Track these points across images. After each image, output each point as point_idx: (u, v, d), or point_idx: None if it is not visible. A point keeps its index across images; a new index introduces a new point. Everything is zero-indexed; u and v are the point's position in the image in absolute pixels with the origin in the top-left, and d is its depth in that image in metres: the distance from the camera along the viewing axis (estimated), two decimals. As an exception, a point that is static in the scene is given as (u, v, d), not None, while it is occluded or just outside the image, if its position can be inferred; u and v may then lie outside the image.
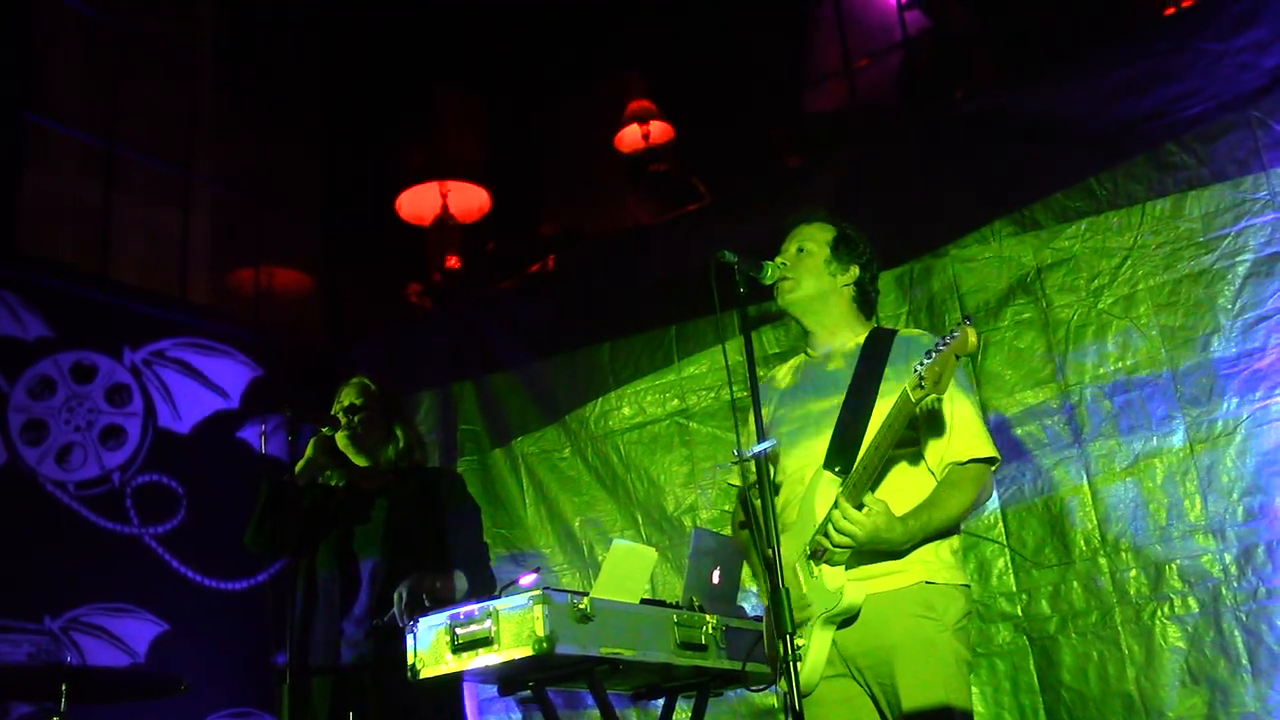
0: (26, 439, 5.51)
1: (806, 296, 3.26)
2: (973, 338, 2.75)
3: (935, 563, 3.00)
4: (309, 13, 7.86)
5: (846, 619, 2.95)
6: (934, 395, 2.82)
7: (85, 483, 5.67)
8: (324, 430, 4.18)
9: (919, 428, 3.05)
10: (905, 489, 3.02)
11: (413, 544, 4.05)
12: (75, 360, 5.80)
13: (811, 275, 3.25)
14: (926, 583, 2.97)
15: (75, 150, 6.54)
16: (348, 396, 4.24)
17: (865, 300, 3.35)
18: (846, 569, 2.95)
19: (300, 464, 4.16)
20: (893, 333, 3.25)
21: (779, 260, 3.25)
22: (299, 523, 4.08)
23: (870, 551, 2.94)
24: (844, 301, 3.30)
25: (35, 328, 5.65)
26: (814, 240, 3.30)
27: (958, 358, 2.78)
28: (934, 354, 2.79)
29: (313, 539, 4.14)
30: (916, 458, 3.09)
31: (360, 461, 4.22)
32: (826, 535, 2.92)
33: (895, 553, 2.96)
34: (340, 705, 3.94)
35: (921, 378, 2.79)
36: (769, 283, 3.21)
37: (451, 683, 3.58)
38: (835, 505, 2.89)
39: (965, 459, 3.03)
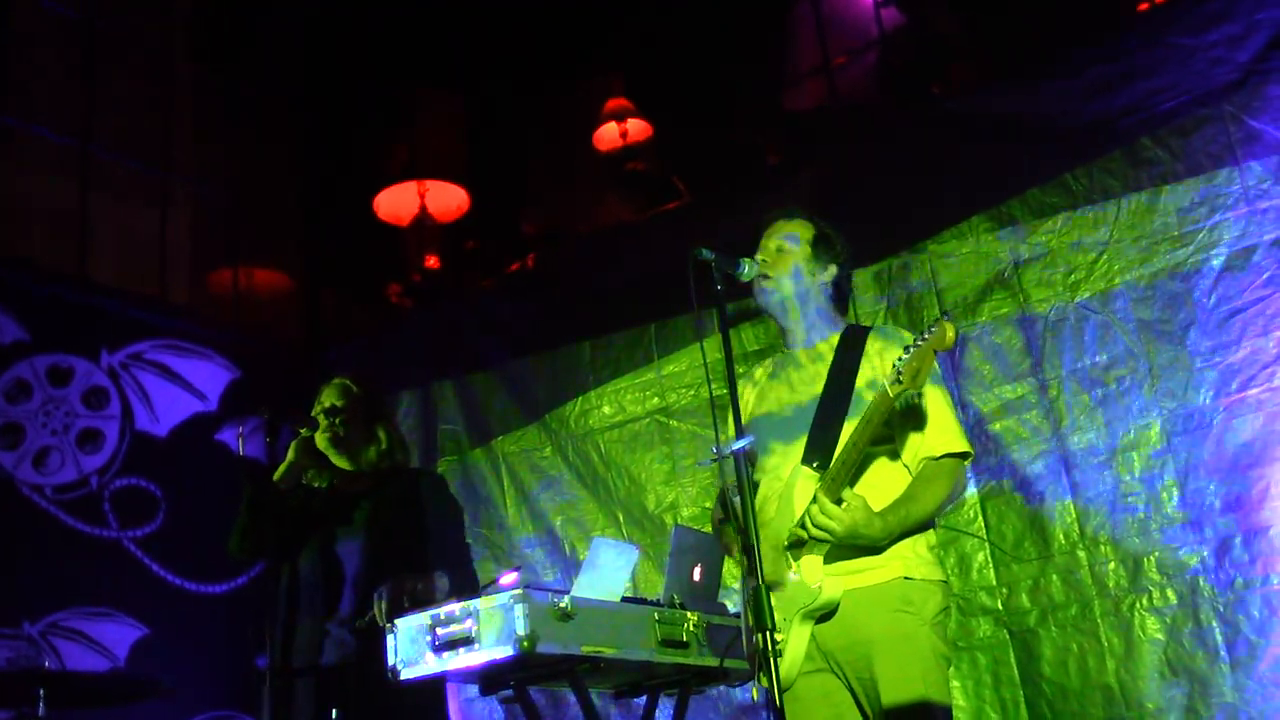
0: (3, 443, 5.47)
1: (787, 296, 3.26)
2: (950, 333, 2.77)
3: (913, 558, 3.01)
4: (286, 12, 7.83)
5: (825, 614, 2.96)
6: (911, 391, 2.83)
7: (63, 486, 5.63)
8: (303, 431, 4.15)
9: (894, 424, 3.06)
10: (882, 484, 3.03)
11: (395, 545, 4.03)
12: (52, 363, 5.76)
13: (791, 274, 3.26)
14: (905, 578, 2.98)
15: (50, 150, 6.49)
16: (329, 397, 4.21)
17: (841, 298, 3.37)
18: (825, 563, 2.96)
19: (282, 468, 4.13)
20: (867, 329, 3.27)
21: (759, 258, 3.25)
22: (283, 528, 4.06)
23: (849, 546, 2.94)
24: (821, 300, 3.31)
25: (11, 331, 5.61)
26: (794, 238, 3.30)
27: (936, 353, 2.80)
28: (912, 350, 2.80)
29: (296, 542, 4.12)
30: (893, 454, 3.10)
31: (341, 463, 4.19)
32: (804, 529, 2.92)
33: (873, 548, 2.97)
34: (323, 706, 3.92)
35: (899, 373, 2.81)
36: (747, 279, 3.21)
37: (434, 683, 3.58)
38: (814, 500, 2.90)
39: (939, 454, 3.04)
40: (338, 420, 4.13)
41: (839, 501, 2.87)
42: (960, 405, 4.83)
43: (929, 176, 5.19)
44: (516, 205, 7.76)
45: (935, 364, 3.10)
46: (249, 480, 4.07)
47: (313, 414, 4.18)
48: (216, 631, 5.86)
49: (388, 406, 4.55)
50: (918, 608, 2.96)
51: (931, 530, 3.11)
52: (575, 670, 3.26)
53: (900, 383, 2.81)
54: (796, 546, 2.96)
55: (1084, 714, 4.43)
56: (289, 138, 7.74)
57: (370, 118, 7.76)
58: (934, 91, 5.61)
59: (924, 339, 2.80)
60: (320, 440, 4.13)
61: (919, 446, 3.06)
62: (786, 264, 3.26)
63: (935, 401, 3.07)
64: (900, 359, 2.82)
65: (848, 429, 2.98)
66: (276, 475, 4.09)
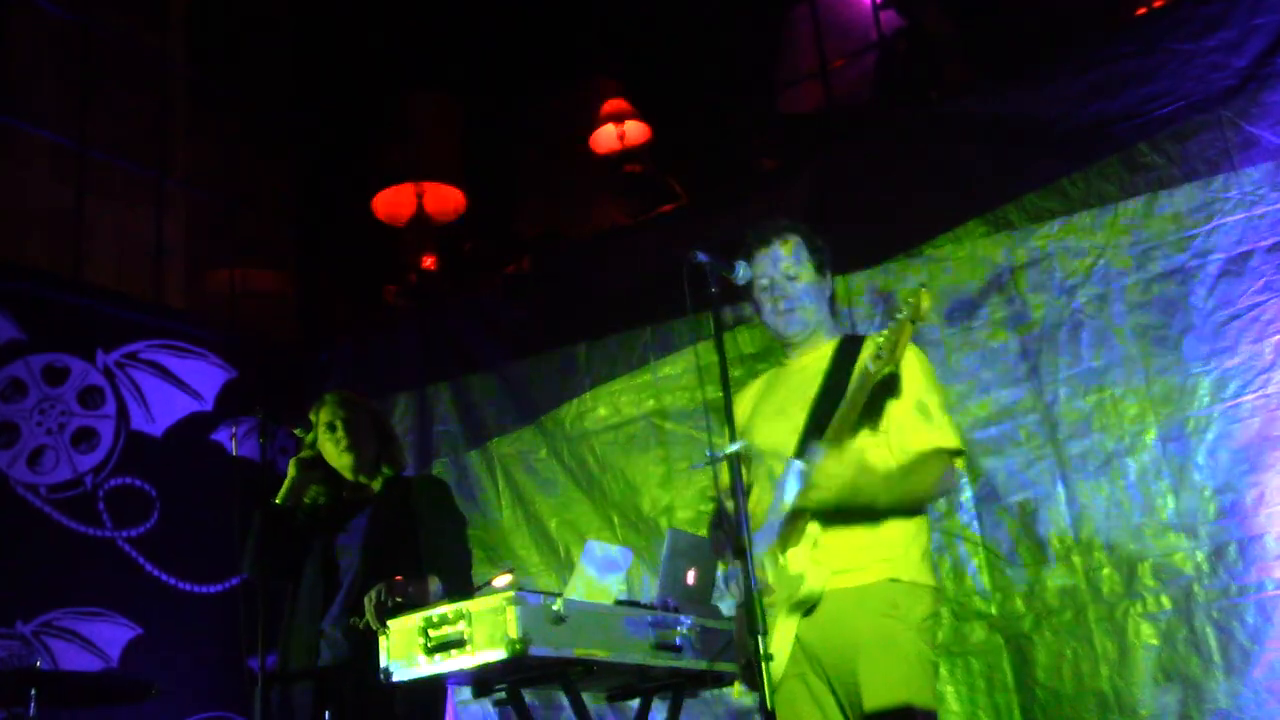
0: (-3, 442, 5.47)
1: (809, 321, 3.26)
2: (926, 302, 2.77)
3: (903, 561, 3.00)
4: (282, 14, 7.83)
5: (809, 607, 2.95)
6: (891, 366, 2.83)
7: (57, 486, 5.62)
8: (298, 431, 4.15)
9: (887, 415, 3.04)
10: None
11: (392, 549, 4.03)
12: (47, 363, 5.75)
13: (808, 300, 3.25)
14: (891, 580, 2.97)
15: (47, 152, 6.50)
16: (330, 413, 4.18)
17: (833, 306, 3.37)
18: (813, 557, 2.95)
19: (284, 488, 4.13)
20: (863, 338, 3.26)
21: (773, 292, 3.22)
22: (294, 546, 4.06)
23: (839, 546, 2.94)
24: (826, 312, 3.32)
25: (7, 330, 5.60)
26: (801, 262, 3.28)
27: (913, 323, 2.79)
28: (891, 324, 2.81)
29: (306, 556, 4.12)
30: (879, 447, 3.08)
31: (352, 476, 4.18)
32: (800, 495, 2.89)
33: (871, 543, 2.96)
34: (318, 708, 3.91)
35: (880, 349, 2.81)
36: (742, 283, 3.19)
37: (433, 686, 3.57)
38: (812, 458, 2.86)
39: (930, 448, 3.03)
40: (353, 435, 4.13)
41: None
42: (956, 410, 4.83)
43: (926, 180, 5.20)
44: (513, 207, 7.76)
45: (930, 366, 3.11)
46: (258, 507, 4.05)
47: (314, 429, 4.17)
48: (210, 632, 5.85)
49: (381, 412, 4.56)
50: (904, 611, 2.95)
51: (925, 535, 3.10)
52: (568, 673, 3.25)
53: (881, 358, 2.81)
54: (786, 537, 2.97)
55: (1077, 719, 4.43)
56: (285, 139, 7.74)
57: (366, 119, 7.75)
58: (931, 95, 5.61)
59: (901, 313, 2.80)
60: (342, 459, 4.13)
61: (910, 439, 3.03)
62: (801, 289, 3.25)
63: (931, 398, 3.07)
64: (882, 335, 2.83)
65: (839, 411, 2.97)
66: (279, 497, 4.09)
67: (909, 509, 3.04)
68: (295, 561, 4.08)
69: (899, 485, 2.97)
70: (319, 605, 4.00)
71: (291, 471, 4.14)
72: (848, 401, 2.91)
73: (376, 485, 4.20)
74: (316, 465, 4.18)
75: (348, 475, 4.16)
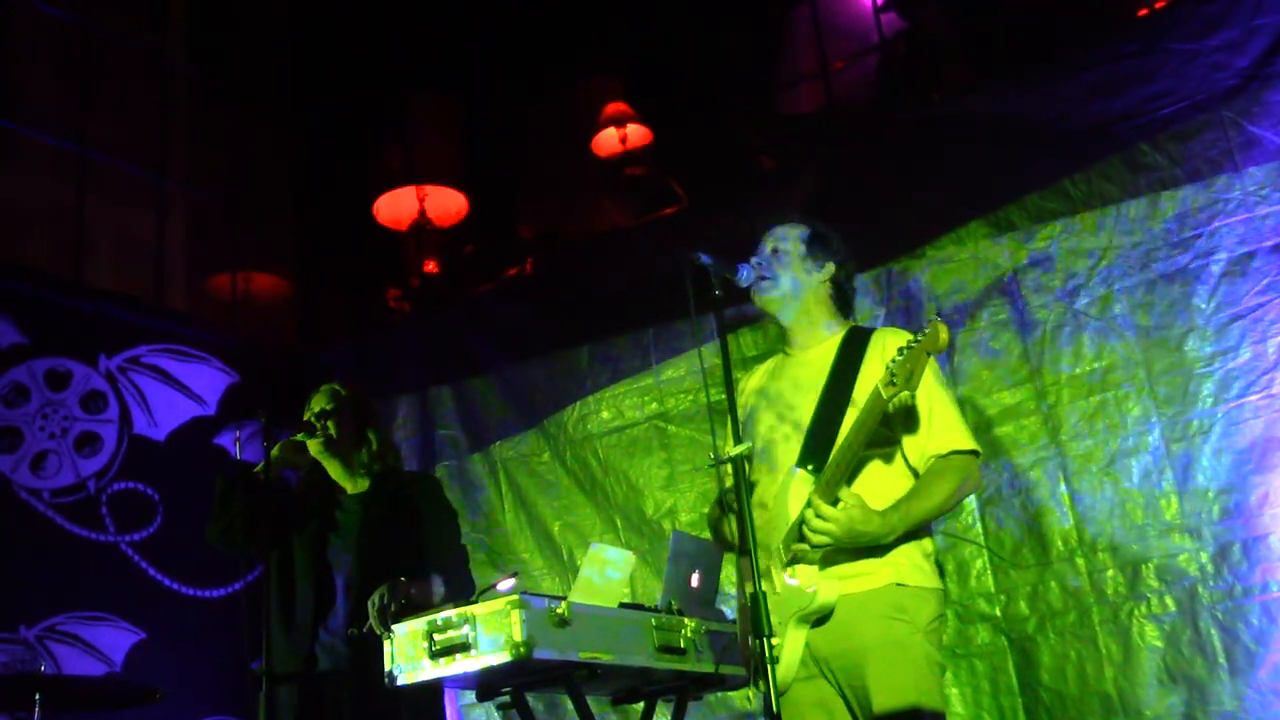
0: (0, 446, 5.46)
1: (783, 295, 3.26)
2: (944, 334, 2.77)
3: (907, 565, 3.00)
4: (282, 14, 7.83)
5: (820, 618, 2.95)
6: (906, 392, 2.83)
7: (60, 490, 5.62)
8: (298, 437, 4.16)
9: (895, 425, 3.06)
10: (880, 487, 3.02)
11: (387, 549, 4.02)
12: (50, 367, 5.75)
13: (787, 274, 3.27)
14: (897, 584, 2.97)
15: (47, 154, 6.49)
16: (318, 403, 4.21)
17: (842, 298, 3.35)
18: (820, 568, 2.95)
19: (271, 454, 4.13)
20: (870, 331, 3.26)
21: (754, 260, 3.26)
22: (261, 519, 4.04)
23: (848, 550, 2.94)
24: (821, 299, 3.31)
25: (9, 334, 5.60)
26: (788, 239, 3.31)
27: (929, 354, 2.79)
28: (905, 351, 2.80)
29: (280, 539, 4.10)
30: (891, 456, 3.09)
31: (334, 466, 4.19)
32: (802, 538, 2.91)
33: (876, 550, 2.96)
34: (316, 713, 3.91)
35: (893, 375, 2.81)
36: (745, 285, 3.21)
37: (432, 690, 3.57)
38: (809, 504, 2.89)
39: (946, 451, 3.04)
40: (329, 423, 4.14)
41: (835, 502, 2.87)
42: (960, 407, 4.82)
43: (926, 181, 5.19)
44: (515, 210, 7.76)
45: (936, 365, 3.11)
46: (224, 468, 4.06)
47: (303, 419, 4.18)
48: (213, 636, 5.84)
49: (376, 410, 4.55)
50: (911, 615, 2.95)
51: (929, 537, 3.11)
52: (572, 676, 3.25)
53: (894, 384, 2.81)
54: (795, 559, 2.96)
55: (1082, 721, 4.43)
56: (287, 142, 7.73)
57: (368, 122, 7.75)
58: (932, 96, 5.61)
59: (917, 340, 2.80)
60: (313, 446, 4.14)
61: (924, 445, 3.05)
62: (783, 265, 3.27)
63: (940, 400, 3.07)
64: (894, 360, 2.83)
65: (845, 431, 2.98)
66: (258, 466, 4.10)
67: (940, 511, 3.05)
68: (264, 537, 4.06)
69: (929, 495, 2.98)
70: (313, 606, 3.99)
71: (275, 450, 4.15)
72: (858, 421, 2.90)
73: (364, 482, 4.19)
74: (302, 451, 4.19)
75: (323, 461, 4.17)
